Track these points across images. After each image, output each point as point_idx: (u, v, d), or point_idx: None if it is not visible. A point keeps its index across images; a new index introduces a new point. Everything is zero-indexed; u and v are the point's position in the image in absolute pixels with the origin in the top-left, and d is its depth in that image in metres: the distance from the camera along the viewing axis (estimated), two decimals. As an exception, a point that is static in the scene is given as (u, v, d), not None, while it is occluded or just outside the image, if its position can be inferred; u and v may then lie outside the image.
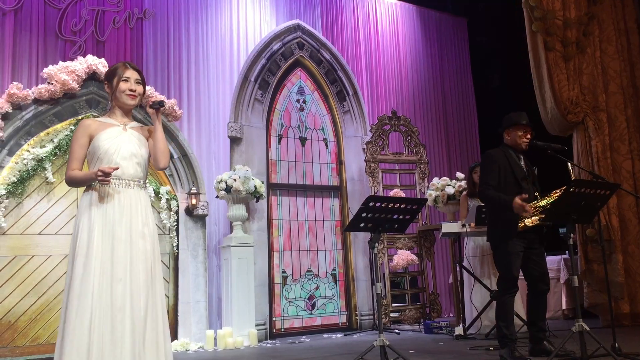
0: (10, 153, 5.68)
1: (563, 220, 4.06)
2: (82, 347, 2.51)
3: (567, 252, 7.31)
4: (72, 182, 2.80)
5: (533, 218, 4.17)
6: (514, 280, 4.23)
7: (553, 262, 7.36)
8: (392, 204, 4.17)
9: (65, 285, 2.67)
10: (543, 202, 4.14)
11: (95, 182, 2.69)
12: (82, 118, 5.92)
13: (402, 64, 9.55)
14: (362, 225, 4.22)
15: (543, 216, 4.11)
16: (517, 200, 4.09)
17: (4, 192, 5.54)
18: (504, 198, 4.19)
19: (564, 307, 7.34)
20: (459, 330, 5.86)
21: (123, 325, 2.57)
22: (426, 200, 5.02)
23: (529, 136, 4.42)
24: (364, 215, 4.15)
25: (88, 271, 2.59)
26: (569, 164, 4.24)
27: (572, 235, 4.06)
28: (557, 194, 4.01)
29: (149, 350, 2.64)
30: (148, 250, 2.76)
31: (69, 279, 2.65)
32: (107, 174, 2.63)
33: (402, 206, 4.23)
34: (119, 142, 2.81)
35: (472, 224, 5.78)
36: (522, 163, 4.44)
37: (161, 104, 2.93)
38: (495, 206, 4.33)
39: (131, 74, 2.89)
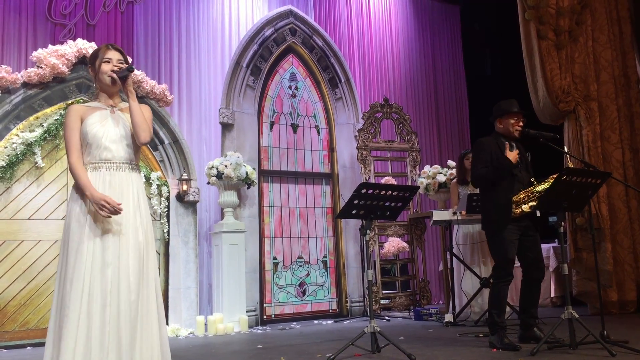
0: (-1, 137, 5.63)
1: (554, 208, 4.08)
2: (80, 332, 2.49)
3: (556, 240, 7.42)
4: (73, 176, 2.73)
5: (529, 204, 4.18)
6: (510, 267, 4.25)
7: (543, 250, 7.37)
8: (384, 191, 4.17)
9: (58, 270, 2.65)
10: (540, 188, 4.15)
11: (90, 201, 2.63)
12: (72, 103, 5.86)
13: (395, 51, 9.52)
14: (354, 212, 4.21)
15: (536, 203, 4.13)
16: (509, 156, 4.18)
17: (-8, 176, 5.49)
18: (494, 166, 4.24)
19: (552, 294, 7.40)
20: (448, 317, 5.89)
21: (112, 310, 2.56)
22: (418, 187, 5.03)
23: (521, 124, 4.43)
24: (356, 202, 4.14)
25: (81, 256, 2.57)
26: (565, 153, 4.24)
27: (562, 223, 4.08)
28: (551, 180, 4.02)
29: (144, 335, 2.63)
30: (140, 233, 2.72)
31: (62, 264, 2.63)
32: (110, 209, 2.59)
33: (394, 193, 4.23)
34: (107, 125, 2.77)
35: (463, 212, 5.80)
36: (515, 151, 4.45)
37: (129, 69, 2.82)
38: (490, 179, 4.32)
39: (113, 54, 2.84)
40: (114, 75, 2.81)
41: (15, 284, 5.51)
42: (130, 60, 3.04)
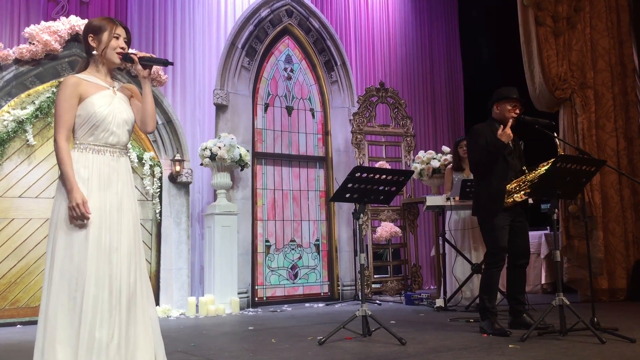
0: (-10, 114, 5.56)
1: (548, 195, 4.08)
2: (76, 316, 2.48)
3: (548, 227, 7.45)
4: (57, 158, 2.59)
5: (521, 193, 4.18)
6: (503, 253, 4.25)
7: (534, 237, 7.43)
8: (378, 175, 4.15)
9: (52, 252, 2.57)
10: (531, 177, 4.15)
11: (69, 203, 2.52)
12: (62, 81, 5.78)
13: (391, 36, 9.46)
14: (347, 195, 4.19)
15: (529, 191, 4.13)
16: (499, 132, 4.19)
17: (-17, 153, 5.44)
18: (488, 148, 4.24)
19: (543, 281, 7.45)
20: (439, 302, 5.91)
21: (117, 294, 2.54)
22: (412, 172, 5.01)
23: (517, 111, 4.41)
24: (349, 185, 4.12)
25: (87, 242, 2.53)
26: (556, 139, 4.23)
27: (555, 210, 4.08)
28: (545, 167, 4.02)
29: (142, 316, 2.62)
30: (131, 218, 2.70)
31: (63, 248, 2.55)
32: (77, 216, 2.50)
33: (388, 177, 4.21)
34: (114, 108, 2.69)
35: (457, 198, 5.80)
36: (509, 138, 4.44)
37: (165, 63, 2.76)
38: (485, 163, 4.32)
39: (121, 31, 2.74)
40: (135, 58, 2.71)
41: (5, 262, 5.47)
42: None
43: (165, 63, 2.79)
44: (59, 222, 2.57)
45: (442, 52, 10.13)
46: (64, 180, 2.57)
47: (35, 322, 2.44)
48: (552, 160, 3.96)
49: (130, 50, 2.79)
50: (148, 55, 2.78)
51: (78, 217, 2.51)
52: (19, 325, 5.40)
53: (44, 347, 2.48)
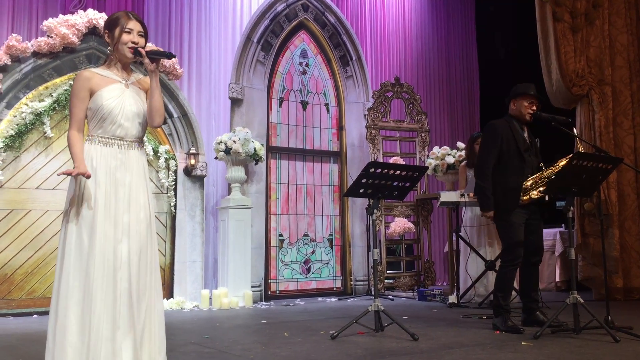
0: (9, 106, 5.61)
1: (564, 193, 4.05)
2: (87, 307, 2.52)
3: (563, 225, 7.40)
4: (68, 145, 2.70)
5: (537, 190, 4.16)
6: (519, 251, 4.23)
7: (549, 234, 7.38)
8: (392, 171, 4.14)
9: (64, 241, 2.62)
10: (547, 173, 4.12)
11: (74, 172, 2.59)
12: (76, 74, 5.83)
13: (407, 31, 9.41)
14: (361, 191, 4.19)
15: (545, 188, 4.10)
16: (488, 214, 4.32)
17: (1, 145, 5.50)
18: (487, 196, 4.31)
19: (557, 279, 7.40)
20: (452, 298, 5.90)
21: (123, 284, 2.58)
22: (427, 168, 5.00)
23: (534, 107, 4.38)
24: (364, 181, 4.12)
25: (94, 232, 2.56)
26: (576, 138, 4.20)
27: (571, 208, 4.05)
28: (562, 164, 3.99)
29: (148, 308, 2.66)
30: (147, 210, 2.74)
31: (73, 237, 2.59)
32: (81, 174, 2.58)
33: (402, 173, 4.19)
34: (123, 101, 2.72)
35: (471, 194, 5.77)
36: (526, 134, 4.41)
37: (168, 55, 2.77)
38: (477, 192, 4.44)
39: (134, 25, 2.75)
40: (143, 52, 2.72)
41: (22, 253, 5.54)
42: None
43: (169, 56, 2.81)
44: (70, 214, 2.61)
45: (459, 47, 10.06)
46: (72, 155, 2.65)
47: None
48: (569, 157, 3.93)
49: (150, 45, 2.82)
50: (155, 48, 2.81)
51: (78, 176, 2.58)
52: (35, 315, 5.47)
53: (55, 335, 2.53)
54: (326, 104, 7.80)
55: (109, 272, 2.57)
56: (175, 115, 6.40)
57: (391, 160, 7.36)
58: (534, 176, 4.25)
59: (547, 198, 4.32)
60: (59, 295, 2.55)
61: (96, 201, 2.60)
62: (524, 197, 4.21)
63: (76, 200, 2.62)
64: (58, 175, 2.65)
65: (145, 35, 2.80)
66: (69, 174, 2.55)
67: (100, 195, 2.61)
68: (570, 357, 3.24)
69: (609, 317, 4.02)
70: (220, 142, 6.46)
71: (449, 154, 7.23)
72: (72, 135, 2.67)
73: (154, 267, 2.75)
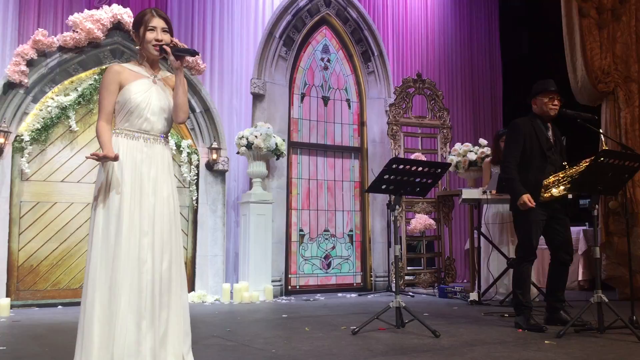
0: (35, 100, 5.70)
1: (589, 191, 4.01)
2: (114, 297, 2.56)
3: (587, 223, 7.31)
4: (97, 136, 2.76)
5: (560, 188, 4.12)
6: (532, 249, 4.20)
7: (572, 233, 7.27)
8: (415, 167, 4.13)
9: (94, 233, 2.65)
10: (571, 172, 4.08)
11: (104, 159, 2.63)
12: (106, 68, 5.90)
13: (430, 26, 9.35)
14: (383, 187, 4.19)
15: (569, 186, 4.06)
16: (524, 197, 4.12)
17: (28, 138, 5.59)
18: (517, 186, 4.20)
19: (580, 278, 7.31)
20: (473, 295, 5.87)
21: (147, 277, 2.61)
22: (450, 164, 4.97)
23: (556, 102, 4.32)
24: (386, 177, 4.11)
25: (120, 224, 2.60)
26: (601, 134, 4.15)
27: (596, 206, 4.01)
28: (586, 164, 3.94)
29: (173, 301, 2.69)
30: (171, 205, 2.77)
31: (99, 226, 2.63)
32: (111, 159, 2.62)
33: (425, 169, 4.18)
34: (150, 95, 2.76)
35: (494, 191, 5.74)
36: (550, 133, 4.36)
37: (192, 52, 2.81)
38: (507, 185, 4.34)
39: (158, 22, 2.79)
40: (168, 49, 2.75)
41: (47, 245, 5.63)
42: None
43: (193, 53, 2.85)
44: (99, 204, 2.66)
45: (482, 44, 9.97)
46: (101, 144, 2.70)
47: (75, 304, 2.54)
48: (593, 157, 3.89)
49: (178, 42, 2.85)
50: (180, 45, 2.84)
51: (105, 167, 2.64)
52: (60, 306, 5.56)
53: (84, 324, 2.57)
54: (347, 100, 7.79)
55: (134, 263, 2.61)
56: (197, 110, 6.44)
57: (412, 157, 7.32)
58: (555, 174, 4.20)
59: (570, 196, 4.27)
60: (88, 284, 2.60)
61: (122, 193, 2.64)
62: (545, 195, 4.16)
63: (103, 192, 2.67)
64: (86, 157, 2.69)
65: (169, 31, 2.84)
66: (96, 157, 2.59)
67: (126, 188, 2.66)
68: (595, 357, 3.21)
69: (634, 317, 3.98)
70: (242, 137, 6.49)
71: (470, 151, 7.17)
72: (100, 126, 2.72)
73: (179, 260, 2.78)
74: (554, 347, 3.47)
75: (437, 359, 3.15)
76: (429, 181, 4.29)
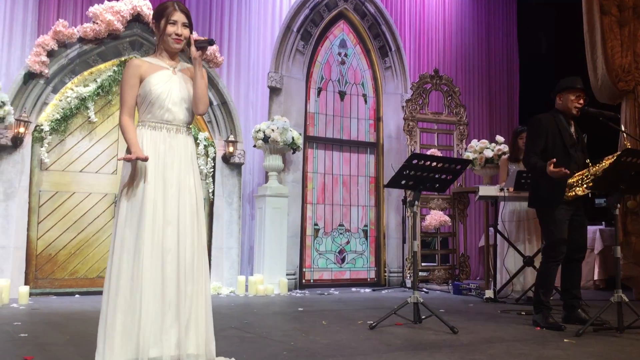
0: (55, 90, 5.74)
1: (611, 190, 3.97)
2: (138, 286, 2.58)
3: (603, 222, 7.26)
4: (122, 132, 2.77)
5: (583, 186, 4.08)
6: (562, 247, 4.16)
7: (589, 232, 7.23)
8: (435, 163, 4.12)
9: (118, 222, 2.67)
10: (593, 170, 4.05)
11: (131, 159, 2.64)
12: (125, 60, 5.93)
13: (447, 22, 9.30)
14: (403, 182, 4.18)
15: (592, 185, 4.03)
16: (550, 168, 4.01)
17: (47, 128, 5.63)
18: (540, 164, 4.13)
19: (596, 277, 7.26)
20: (489, 293, 5.85)
21: (172, 266, 2.63)
22: (470, 161, 4.94)
23: (581, 101, 4.29)
24: (406, 172, 4.11)
25: (143, 214, 2.62)
26: (624, 133, 4.11)
27: (617, 205, 3.98)
28: (609, 161, 3.90)
29: (196, 291, 2.70)
30: (194, 195, 2.78)
31: (123, 216, 2.65)
32: (138, 158, 2.63)
33: (445, 166, 4.17)
34: (170, 86, 2.78)
35: (511, 189, 5.71)
36: (572, 130, 4.33)
37: (210, 42, 2.82)
38: (535, 172, 4.27)
39: (179, 16, 2.81)
40: (192, 50, 2.78)
41: (65, 234, 5.68)
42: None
43: (210, 42, 2.84)
44: (123, 194, 2.68)
45: (499, 40, 9.90)
46: (126, 140, 2.70)
47: (92, 293, 2.55)
48: (617, 153, 3.85)
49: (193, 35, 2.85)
50: (202, 38, 2.86)
51: (134, 160, 2.62)
52: (77, 295, 5.60)
53: (107, 313, 2.59)
54: (364, 95, 7.78)
55: (157, 254, 2.62)
56: (214, 103, 6.45)
57: (428, 153, 7.30)
58: (579, 172, 4.17)
59: (590, 195, 4.24)
60: (112, 273, 2.61)
61: (146, 184, 2.66)
62: (569, 194, 4.13)
63: (128, 183, 2.68)
64: (118, 160, 2.72)
65: (190, 26, 2.85)
66: (128, 160, 2.61)
67: (149, 178, 2.67)
68: (615, 356, 3.19)
69: (654, 317, 3.95)
70: (259, 130, 6.50)
71: (487, 148, 7.14)
72: (124, 121, 2.73)
73: (202, 250, 2.79)
74: (574, 346, 3.46)
75: (457, 355, 3.15)
76: (449, 177, 4.27)
